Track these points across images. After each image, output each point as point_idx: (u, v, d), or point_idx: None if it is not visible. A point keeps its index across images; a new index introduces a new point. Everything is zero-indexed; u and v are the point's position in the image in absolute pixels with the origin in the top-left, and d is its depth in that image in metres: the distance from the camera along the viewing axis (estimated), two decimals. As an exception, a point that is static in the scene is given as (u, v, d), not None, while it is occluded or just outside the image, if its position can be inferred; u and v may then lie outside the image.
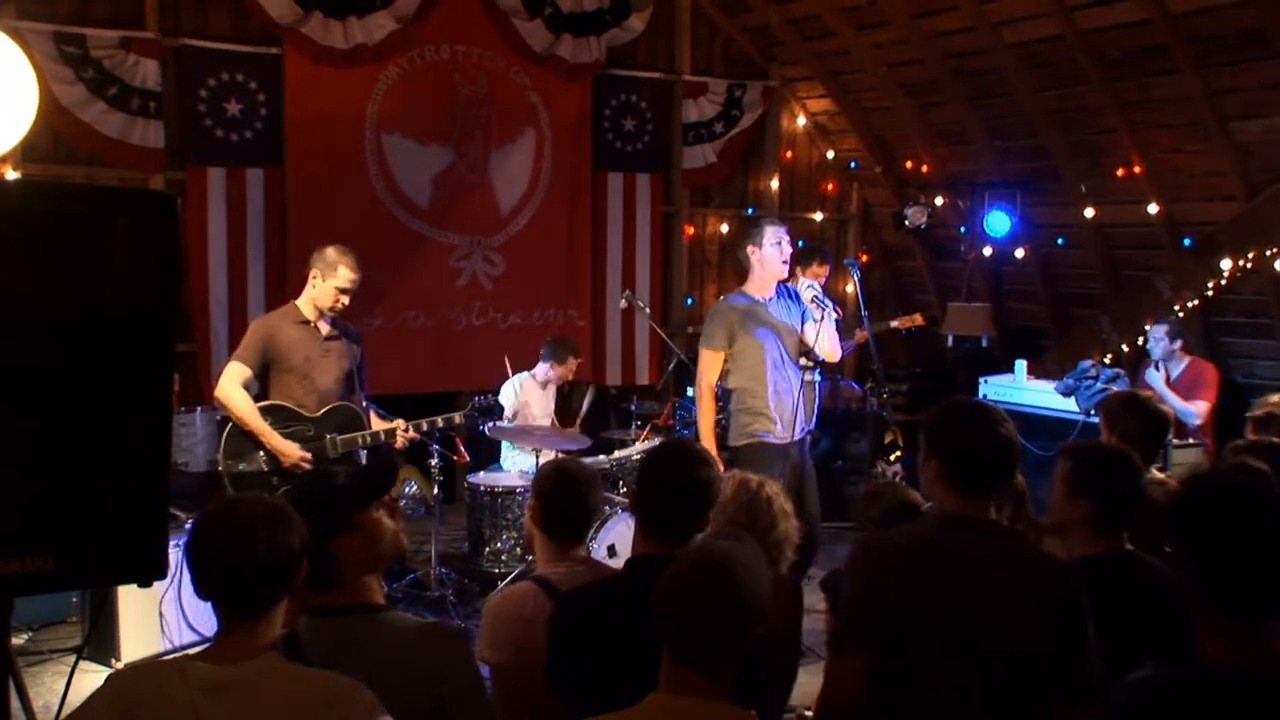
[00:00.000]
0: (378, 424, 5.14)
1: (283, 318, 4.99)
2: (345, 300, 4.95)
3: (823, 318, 5.21)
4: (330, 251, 4.93)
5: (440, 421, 5.27)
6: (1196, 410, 6.42)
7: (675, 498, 2.66)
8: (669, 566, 2.16)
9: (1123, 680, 2.08)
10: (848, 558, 2.60)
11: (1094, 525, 2.89)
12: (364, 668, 2.24)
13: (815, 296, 5.19)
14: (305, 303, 4.98)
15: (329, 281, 4.90)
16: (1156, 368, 6.68)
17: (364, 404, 5.16)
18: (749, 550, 2.23)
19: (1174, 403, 6.29)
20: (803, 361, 5.39)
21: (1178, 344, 6.66)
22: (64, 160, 6.71)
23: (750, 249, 5.18)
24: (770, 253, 5.14)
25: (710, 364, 5.14)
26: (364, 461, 5.07)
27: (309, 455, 4.81)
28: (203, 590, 2.11)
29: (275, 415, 4.88)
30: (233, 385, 4.81)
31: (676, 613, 2.07)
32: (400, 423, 5.11)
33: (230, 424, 4.87)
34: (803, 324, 5.34)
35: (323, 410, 4.93)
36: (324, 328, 4.99)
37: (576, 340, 7.35)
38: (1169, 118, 6.91)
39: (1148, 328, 7.43)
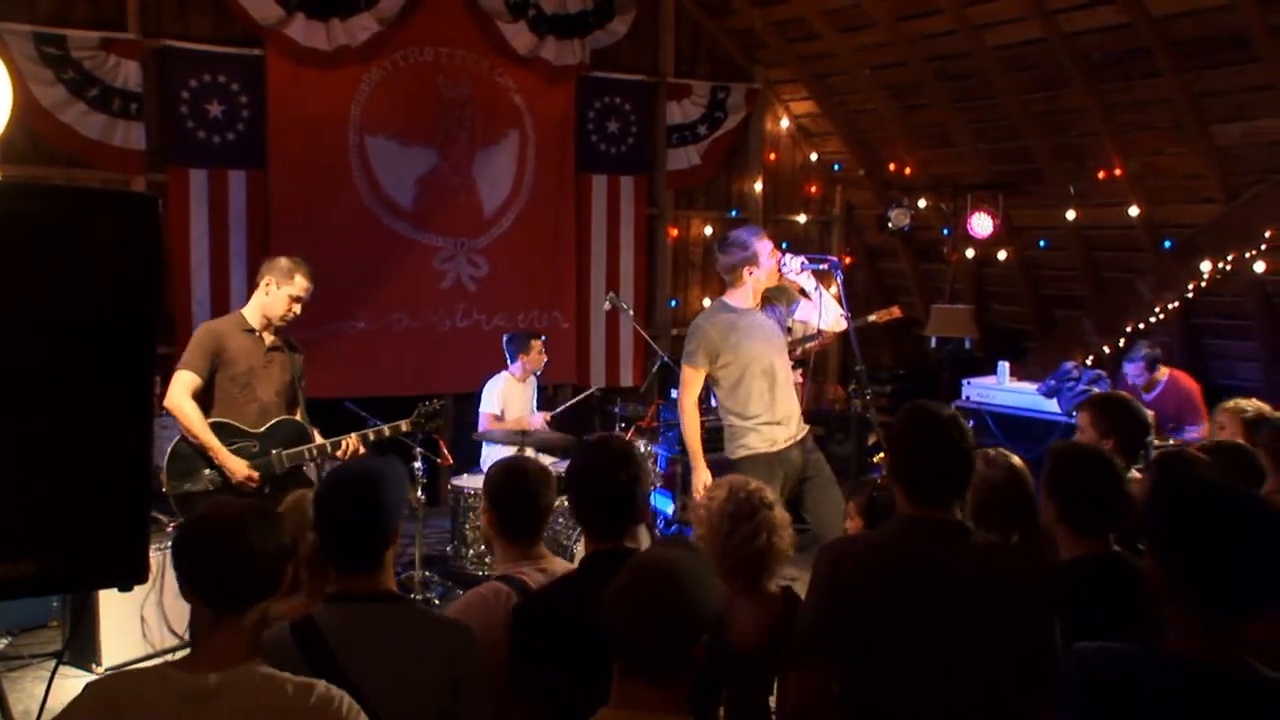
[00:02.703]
0: (319, 437, 5.00)
1: (229, 325, 4.89)
2: (297, 309, 4.86)
3: (817, 287, 5.14)
4: (283, 260, 4.86)
5: (388, 431, 5.14)
6: (1198, 437, 6.38)
7: (601, 501, 2.69)
8: (617, 576, 2.14)
9: (1081, 652, 2.09)
10: (815, 563, 2.59)
11: (1070, 526, 2.89)
12: (381, 654, 2.29)
13: (804, 264, 5.09)
14: (253, 311, 4.88)
15: (284, 289, 4.80)
16: (1139, 391, 6.65)
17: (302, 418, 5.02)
18: (695, 558, 2.22)
19: (1174, 436, 6.30)
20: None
21: (1156, 371, 6.65)
22: (44, 162, 6.66)
23: (748, 270, 5.02)
24: (768, 266, 5.04)
25: (691, 381, 5.07)
26: (311, 475, 4.97)
27: (255, 475, 4.70)
28: (193, 585, 2.10)
29: (220, 433, 4.73)
30: (184, 397, 4.69)
31: (624, 622, 2.05)
32: (352, 437, 4.96)
33: (175, 442, 4.73)
34: (792, 316, 5.28)
35: (266, 426, 4.82)
36: (268, 338, 4.88)
37: (532, 329, 7.29)
38: (1150, 120, 6.95)
39: (1129, 329, 7.48)
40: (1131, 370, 6.67)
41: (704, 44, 8.99)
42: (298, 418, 4.94)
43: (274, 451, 4.79)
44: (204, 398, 4.76)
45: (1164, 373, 6.67)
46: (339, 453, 4.92)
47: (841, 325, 5.34)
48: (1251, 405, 4.57)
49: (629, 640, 2.04)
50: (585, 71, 8.29)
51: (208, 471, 4.70)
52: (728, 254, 5.12)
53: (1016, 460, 3.41)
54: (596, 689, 2.11)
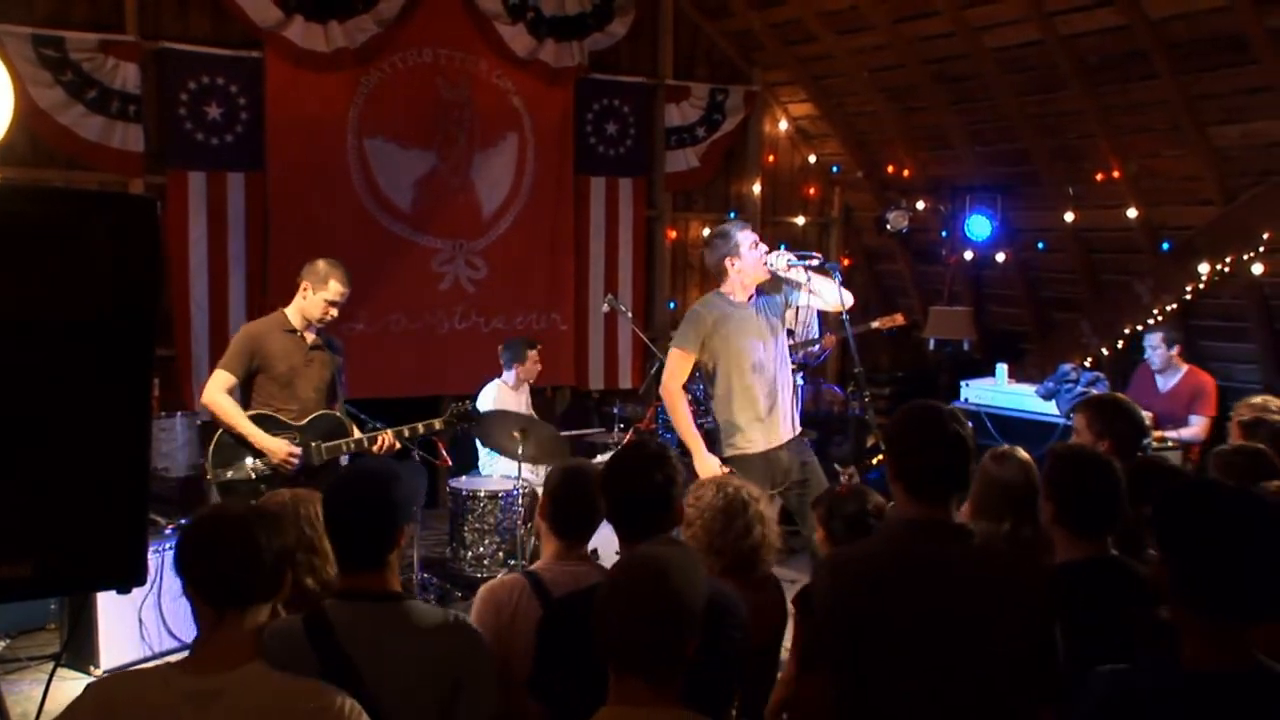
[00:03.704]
0: (357, 431, 5.23)
1: (270, 326, 5.06)
2: (334, 312, 5.06)
3: (809, 279, 5.08)
4: (321, 265, 5.02)
5: (421, 429, 5.31)
6: (1196, 430, 6.41)
7: (636, 504, 2.68)
8: (606, 577, 2.17)
9: (1098, 672, 2.09)
10: (817, 571, 2.60)
11: (1066, 528, 2.90)
12: (386, 652, 2.34)
13: (790, 262, 5.05)
14: (294, 312, 5.06)
15: (319, 294, 4.99)
16: (1154, 381, 6.65)
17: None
18: (682, 554, 2.24)
19: (1173, 436, 6.31)
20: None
21: (1174, 350, 6.63)
22: (43, 164, 6.66)
23: (730, 261, 5.04)
24: (750, 257, 5.03)
25: (679, 364, 5.05)
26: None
27: (297, 450, 4.89)
28: (196, 582, 2.10)
29: (261, 424, 4.95)
30: (219, 392, 4.91)
31: (615, 621, 2.07)
32: (386, 433, 5.16)
33: (219, 433, 4.94)
34: (788, 308, 5.24)
35: (307, 419, 5.00)
36: (309, 337, 5.07)
37: (529, 336, 7.32)
38: (1148, 122, 6.95)
39: (1127, 331, 7.48)
40: (1150, 341, 6.67)
41: (702, 46, 8.99)
42: (336, 412, 5.12)
43: (313, 444, 4.97)
44: (244, 395, 4.99)
45: (1183, 364, 6.67)
46: (375, 448, 5.11)
47: (849, 300, 5.23)
48: (1259, 401, 4.52)
49: (621, 639, 2.06)
50: (584, 73, 8.30)
51: (249, 461, 4.89)
52: (712, 248, 5.16)
53: (1024, 455, 3.44)
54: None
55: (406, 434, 5.25)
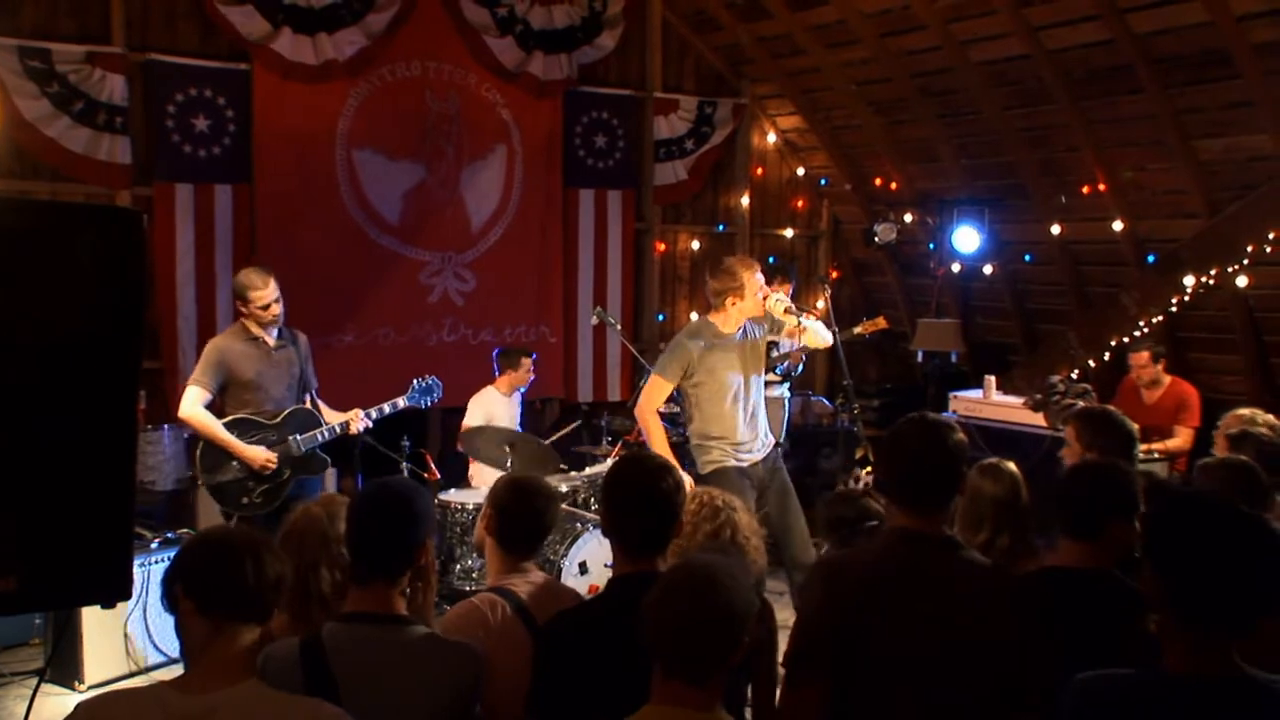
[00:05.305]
0: (332, 415, 5.51)
1: (233, 337, 5.37)
2: (275, 309, 5.30)
3: (799, 322, 5.31)
4: (238, 280, 5.36)
5: (387, 408, 5.59)
6: (1180, 442, 6.47)
7: (641, 516, 2.66)
8: (656, 582, 2.19)
9: (1080, 677, 2.11)
10: (808, 579, 2.61)
11: (1066, 536, 2.93)
12: (387, 678, 2.33)
13: (788, 308, 5.29)
14: (250, 320, 5.35)
15: (250, 307, 5.28)
16: (1139, 394, 6.71)
17: (315, 398, 5.57)
18: (733, 562, 2.26)
19: (1159, 447, 6.37)
20: (770, 376, 5.47)
21: (1160, 364, 6.71)
22: (28, 176, 6.63)
23: (731, 300, 5.21)
24: (751, 302, 5.23)
25: (658, 390, 5.27)
26: (328, 457, 5.54)
27: (274, 457, 5.23)
28: (199, 591, 2.07)
29: (240, 428, 5.26)
30: (195, 407, 5.21)
31: (667, 626, 2.10)
32: (355, 412, 5.48)
33: (201, 441, 5.25)
34: (773, 336, 5.46)
35: (281, 416, 5.33)
36: (271, 339, 5.36)
37: (524, 345, 7.39)
38: (1133, 136, 7.00)
39: (1114, 343, 7.51)
40: (1137, 362, 6.72)
41: (691, 59, 9.01)
42: (308, 405, 5.47)
43: (290, 438, 5.31)
44: (220, 402, 5.34)
45: (1166, 376, 6.74)
46: (350, 430, 5.44)
47: (829, 340, 5.50)
48: (1246, 413, 4.55)
49: (670, 645, 2.09)
50: (572, 86, 8.31)
51: (234, 463, 5.23)
52: (717, 280, 5.30)
53: (1012, 468, 3.47)
54: (615, 712, 2.14)
55: (374, 414, 5.54)
